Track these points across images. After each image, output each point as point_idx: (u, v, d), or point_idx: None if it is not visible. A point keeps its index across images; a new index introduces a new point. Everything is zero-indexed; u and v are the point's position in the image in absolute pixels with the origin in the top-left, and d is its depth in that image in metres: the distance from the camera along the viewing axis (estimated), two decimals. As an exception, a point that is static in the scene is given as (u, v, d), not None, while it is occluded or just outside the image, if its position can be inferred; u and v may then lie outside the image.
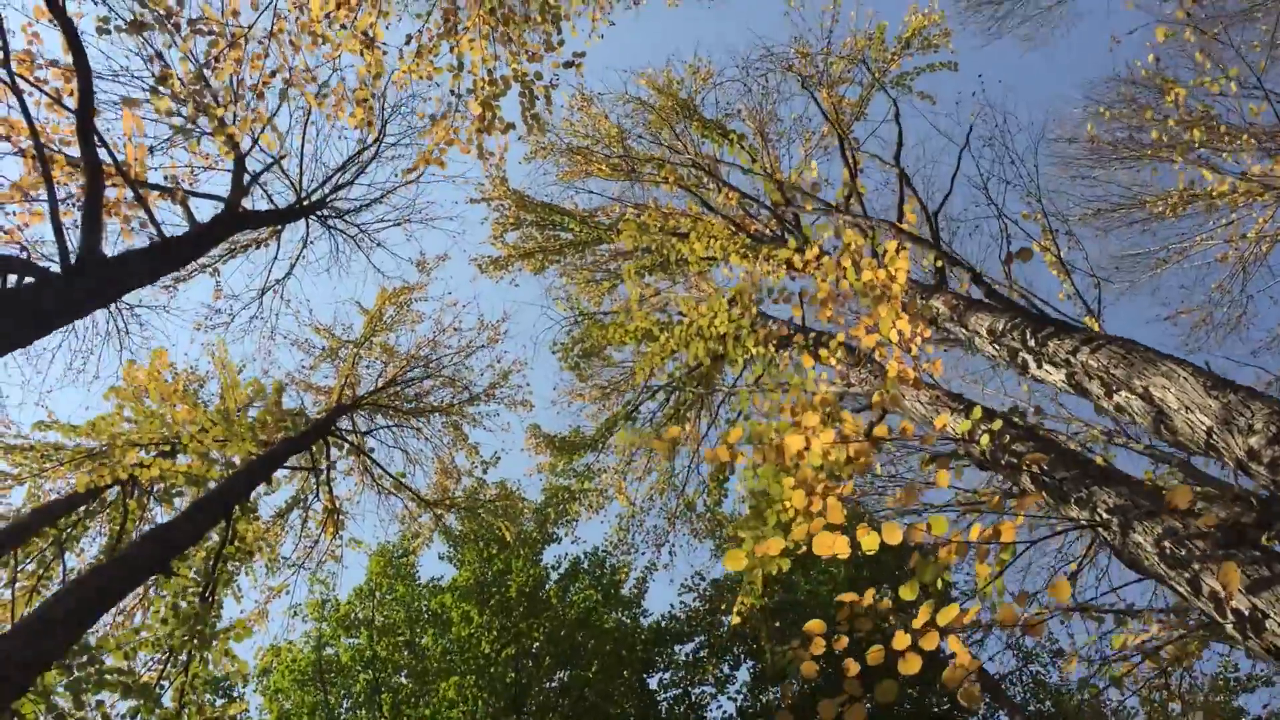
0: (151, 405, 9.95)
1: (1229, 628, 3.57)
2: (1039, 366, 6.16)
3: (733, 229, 12.72)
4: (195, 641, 8.28)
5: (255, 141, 9.99)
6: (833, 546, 4.35)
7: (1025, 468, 5.18)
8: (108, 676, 8.06)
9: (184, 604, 8.36)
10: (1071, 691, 16.00)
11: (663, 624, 16.64)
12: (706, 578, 17.40)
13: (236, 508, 10.00)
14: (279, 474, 16.09)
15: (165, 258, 7.71)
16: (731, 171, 14.96)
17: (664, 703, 15.53)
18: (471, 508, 16.46)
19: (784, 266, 9.53)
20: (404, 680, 14.23)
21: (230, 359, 11.82)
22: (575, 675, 14.38)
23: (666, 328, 11.62)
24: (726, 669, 16.65)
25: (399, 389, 16.05)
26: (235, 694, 14.18)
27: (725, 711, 16.04)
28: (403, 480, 15.31)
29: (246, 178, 10.26)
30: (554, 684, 14.15)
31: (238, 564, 12.03)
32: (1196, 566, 3.75)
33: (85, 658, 7.90)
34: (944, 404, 6.75)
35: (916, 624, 4.25)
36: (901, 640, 4.30)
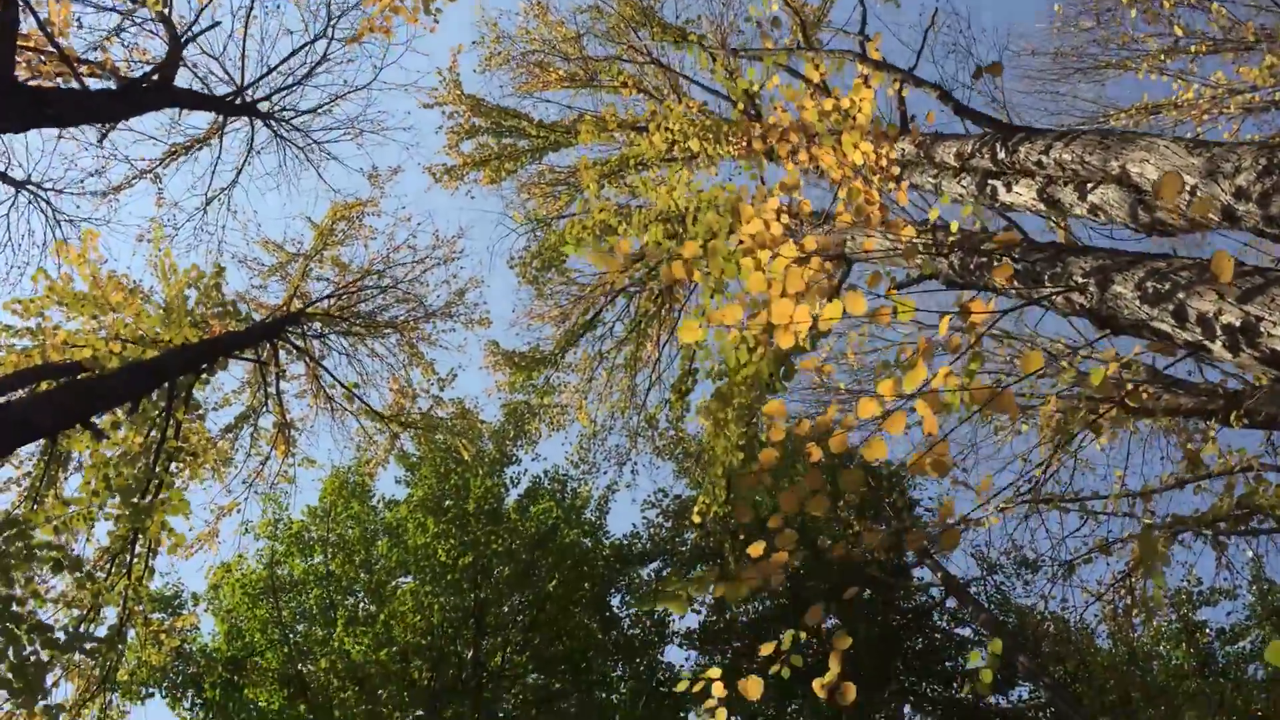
0: (82, 287, 9.47)
1: (1220, 347, 3.30)
2: (1009, 190, 5.89)
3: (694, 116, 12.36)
4: (129, 514, 7.85)
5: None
6: (792, 315, 4.04)
7: (996, 256, 4.90)
8: (37, 551, 7.67)
9: (118, 474, 7.92)
10: (1035, 606, 15.97)
11: (625, 542, 16.42)
12: (669, 494, 17.20)
13: (177, 397, 9.58)
14: (227, 388, 15.67)
15: (87, 104, 7.26)
16: (692, 88, 14.67)
17: (626, 618, 15.34)
18: (428, 426, 16.09)
19: (745, 147, 9.22)
20: (360, 596, 13.92)
21: (175, 265, 11.33)
22: (535, 592, 14.13)
23: (625, 217, 11.28)
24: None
25: (352, 304, 15.60)
26: (183, 610, 13.80)
27: (689, 626, 15.90)
28: (355, 391, 14.90)
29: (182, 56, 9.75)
30: (514, 600, 13.87)
31: (182, 466, 11.64)
32: (1182, 294, 3.49)
33: (13, 531, 7.51)
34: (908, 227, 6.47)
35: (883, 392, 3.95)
36: (867, 408, 4.00)
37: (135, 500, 8.10)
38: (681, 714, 15.08)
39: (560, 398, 16.31)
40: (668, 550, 16.59)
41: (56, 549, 7.67)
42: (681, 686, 4.38)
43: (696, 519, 9.55)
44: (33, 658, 7.19)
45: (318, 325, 14.97)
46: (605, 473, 17.51)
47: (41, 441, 10.28)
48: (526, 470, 15.69)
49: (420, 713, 12.66)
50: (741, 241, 4.61)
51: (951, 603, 15.24)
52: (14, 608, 7.22)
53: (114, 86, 8.41)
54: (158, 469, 9.70)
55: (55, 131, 11.37)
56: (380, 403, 17.25)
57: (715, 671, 4.15)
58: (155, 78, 9.11)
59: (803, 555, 16.53)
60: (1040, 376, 12.97)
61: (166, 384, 8.67)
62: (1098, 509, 12.55)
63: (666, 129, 12.14)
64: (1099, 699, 13.66)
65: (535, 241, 15.84)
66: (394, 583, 13.40)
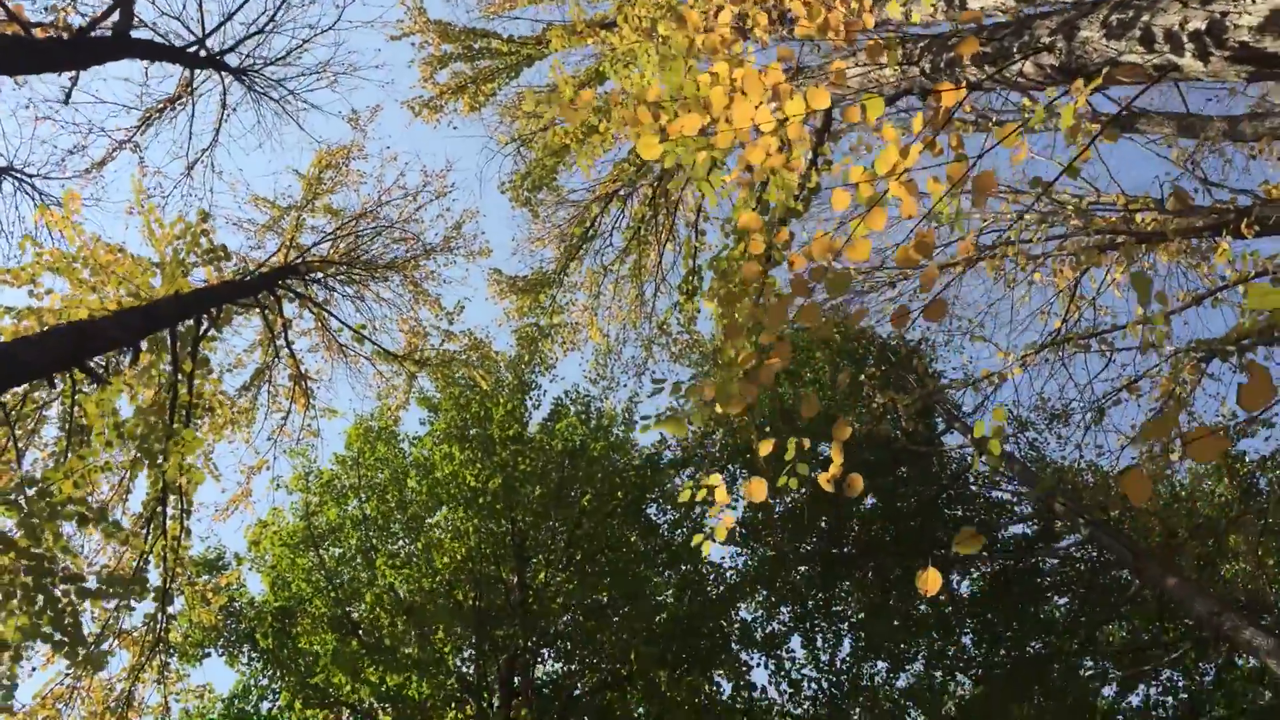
0: (69, 249, 9.42)
1: (1190, 58, 3.15)
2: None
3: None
4: (144, 455, 7.86)
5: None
6: (752, 114, 3.89)
7: (961, 37, 4.71)
8: (61, 508, 7.70)
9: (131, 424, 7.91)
10: (1071, 459, 15.87)
11: (653, 450, 16.43)
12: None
13: (184, 351, 9.55)
14: (238, 349, 15.65)
15: (38, 50, 7.14)
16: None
17: (664, 525, 15.38)
18: (443, 362, 16.08)
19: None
20: (397, 535, 14.00)
21: (160, 220, 11.23)
22: (569, 509, 14.16)
23: (605, 113, 11.08)
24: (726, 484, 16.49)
25: (350, 249, 15.51)
26: (227, 570, 13.95)
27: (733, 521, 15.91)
28: (364, 333, 14.88)
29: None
30: (550, 520, 13.90)
31: (200, 422, 11.68)
32: (1146, 16, 3.32)
33: (33, 490, 7.53)
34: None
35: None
36: (840, 199, 3.88)
37: (151, 445, 8.10)
38: (731, 611, 15.20)
39: (570, 317, 16.24)
40: (699, 454, 16.59)
41: (80, 503, 7.71)
42: (684, 497, 4.32)
43: (704, 412, 9.46)
44: (69, 609, 7.26)
45: (319, 275, 14.91)
46: (624, 385, 17.49)
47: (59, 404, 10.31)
48: (546, 391, 15.66)
49: (472, 638, 12.76)
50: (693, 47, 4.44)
51: (984, 466, 15.14)
52: (45, 565, 7.27)
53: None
54: (175, 424, 9.71)
55: (31, 114, 11.24)
56: (392, 345, 17.24)
57: (716, 478, 4.08)
58: (110, 31, 8.98)
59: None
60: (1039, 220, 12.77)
61: (167, 333, 8.63)
62: (1120, 345, 12.42)
63: (635, 18, 11.86)
64: (1144, 541, 13.63)
65: (523, 163, 15.65)
66: (429, 517, 13.45)
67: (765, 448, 4.25)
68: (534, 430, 15.57)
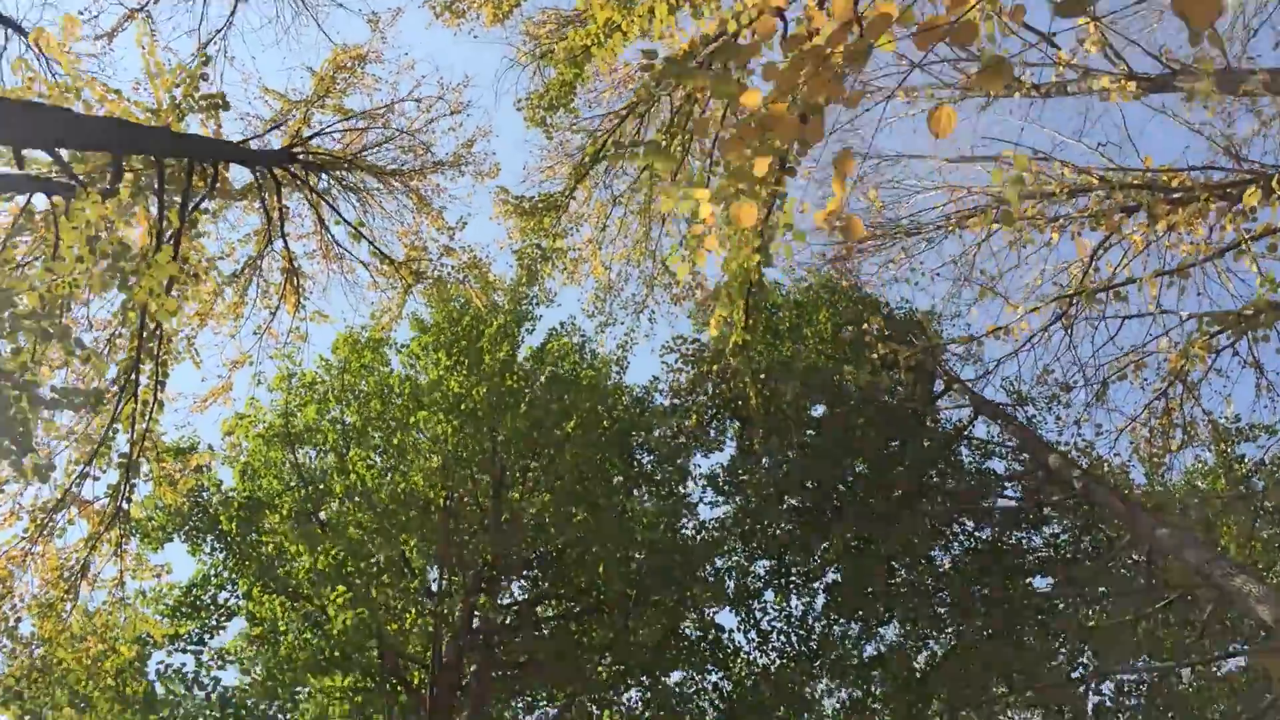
0: (65, 78, 9.05)
1: None
2: None
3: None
4: (116, 279, 7.51)
5: None
6: None
7: None
8: (24, 321, 7.39)
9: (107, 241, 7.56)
10: (1067, 440, 15.57)
11: (644, 391, 16.12)
12: (689, 339, 16.83)
13: (172, 203, 9.21)
14: (232, 237, 15.27)
15: None
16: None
17: (648, 463, 15.08)
18: (439, 279, 15.77)
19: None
20: (376, 440, 13.66)
21: (160, 65, 10.86)
22: (551, 432, 13.84)
23: (629, 11, 10.75)
24: (713, 434, 16.23)
25: (357, 151, 15.16)
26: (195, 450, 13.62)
27: (714, 465, 15.65)
28: (362, 231, 14.53)
29: None
30: (533, 438, 13.57)
31: (183, 283, 11.35)
32: None
33: (-6, 300, 7.22)
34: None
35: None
36: None
37: (124, 266, 7.75)
38: (705, 563, 14.88)
39: (574, 250, 15.93)
40: (690, 403, 16.29)
41: (43, 315, 7.39)
42: (667, 207, 3.97)
43: (713, 331, 9.19)
44: (20, 417, 6.95)
45: (322, 168, 14.57)
46: (622, 323, 17.19)
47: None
48: (542, 318, 15.30)
49: (436, 548, 12.45)
50: None
51: (980, 430, 14.84)
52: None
53: None
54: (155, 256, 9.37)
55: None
56: (391, 253, 16.87)
57: (704, 193, 3.74)
58: None
59: (827, 402, 16.20)
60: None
61: (154, 162, 8.28)
62: (1133, 308, 12.13)
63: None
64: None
65: (542, 82, 15.34)
66: (408, 420, 13.11)
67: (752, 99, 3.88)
68: (525, 356, 15.25)
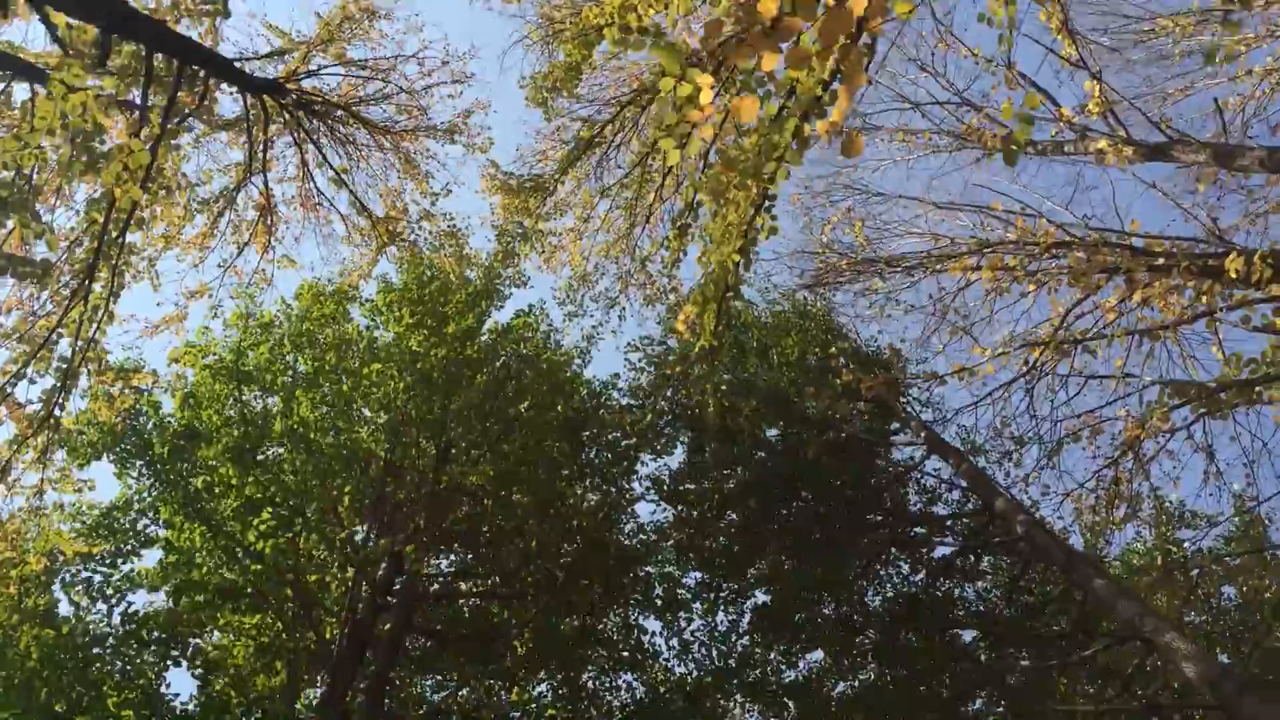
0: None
1: None
2: None
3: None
4: (83, 160, 7.28)
5: None
6: None
7: None
8: (-20, 186, 7.15)
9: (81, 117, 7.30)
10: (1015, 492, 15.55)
11: (603, 385, 16.00)
12: (655, 340, 16.74)
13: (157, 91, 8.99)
14: (210, 165, 14.96)
15: None
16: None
17: (596, 455, 14.91)
18: (415, 243, 15.61)
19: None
20: (325, 390, 13.38)
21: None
22: (504, 409, 13.67)
23: (647, -8, 10.69)
24: (665, 439, 16.12)
25: (352, 100, 14.96)
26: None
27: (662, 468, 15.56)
28: (344, 179, 14.31)
29: None
30: (484, 409, 13.36)
31: (152, 198, 11.07)
32: None
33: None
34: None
35: None
36: None
37: (90, 146, 7.52)
38: (638, 567, 14.71)
39: (555, 227, 15.80)
40: (647, 405, 16.17)
41: (5, 187, 7.16)
42: (666, 86, 3.86)
43: (680, 327, 9.11)
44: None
45: (315, 108, 14.35)
46: (591, 315, 17.06)
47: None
48: (511, 296, 15.17)
49: (368, 502, 12.20)
50: None
51: (932, 468, 14.81)
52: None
53: None
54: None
55: None
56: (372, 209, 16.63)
57: (706, 78, 3.61)
58: None
59: (781, 427, 16.13)
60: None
61: (143, 56, 8.08)
62: (1099, 367, 12.14)
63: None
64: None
65: (548, 64, 15.24)
66: (363, 369, 12.86)
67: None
68: (489, 329, 15.07)
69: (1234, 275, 9.22)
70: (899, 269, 14.91)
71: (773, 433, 16.61)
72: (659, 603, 14.76)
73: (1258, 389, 10.46)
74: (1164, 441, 13.75)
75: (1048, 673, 12.09)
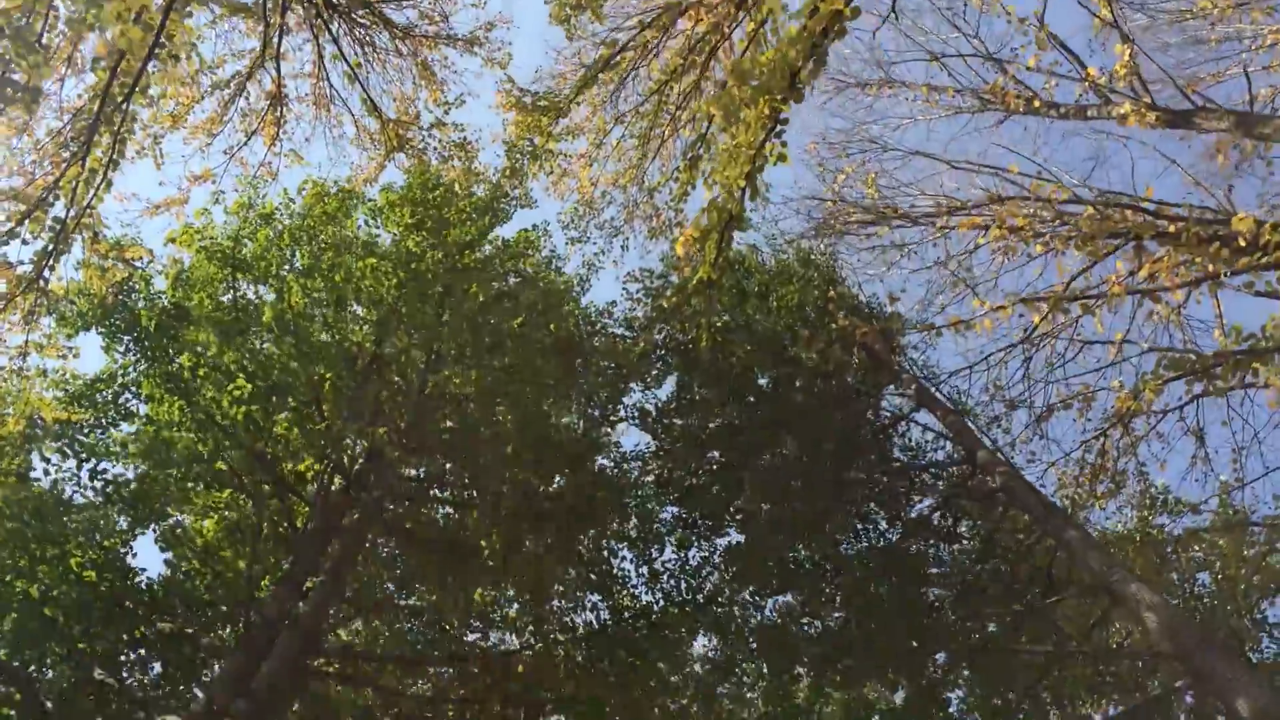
0: None
1: None
2: None
3: None
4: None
5: None
6: None
7: None
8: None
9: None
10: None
11: (597, 316, 15.92)
12: (655, 274, 16.63)
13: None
14: (224, 50, 14.75)
15: None
16: None
17: (584, 382, 14.84)
18: (423, 151, 15.48)
19: None
20: (319, 284, 13.26)
21: None
22: (497, 322, 13.58)
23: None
24: (656, 372, 16.07)
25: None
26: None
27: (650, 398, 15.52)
28: (358, 74, 14.15)
29: None
30: (476, 323, 13.24)
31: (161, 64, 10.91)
32: None
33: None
34: None
35: None
36: None
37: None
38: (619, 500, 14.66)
39: (566, 149, 15.64)
40: (640, 335, 16.08)
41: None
42: None
43: (679, 250, 9.01)
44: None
45: (336, 13, 14.15)
46: (594, 243, 16.95)
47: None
48: (515, 216, 15.04)
49: (350, 394, 12.09)
50: None
51: (918, 434, 14.74)
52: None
53: None
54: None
55: None
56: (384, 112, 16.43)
57: None
58: None
59: (773, 374, 16.04)
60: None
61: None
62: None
63: None
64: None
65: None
66: (358, 263, 12.73)
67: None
68: (490, 243, 14.93)
69: (1243, 239, 9.07)
70: (908, 222, 14.77)
71: (764, 382, 16.53)
72: (633, 534, 14.74)
73: (1254, 365, 10.35)
74: (1155, 422, 13.71)
75: (1013, 633, 12.08)
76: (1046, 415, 13.42)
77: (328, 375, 11.51)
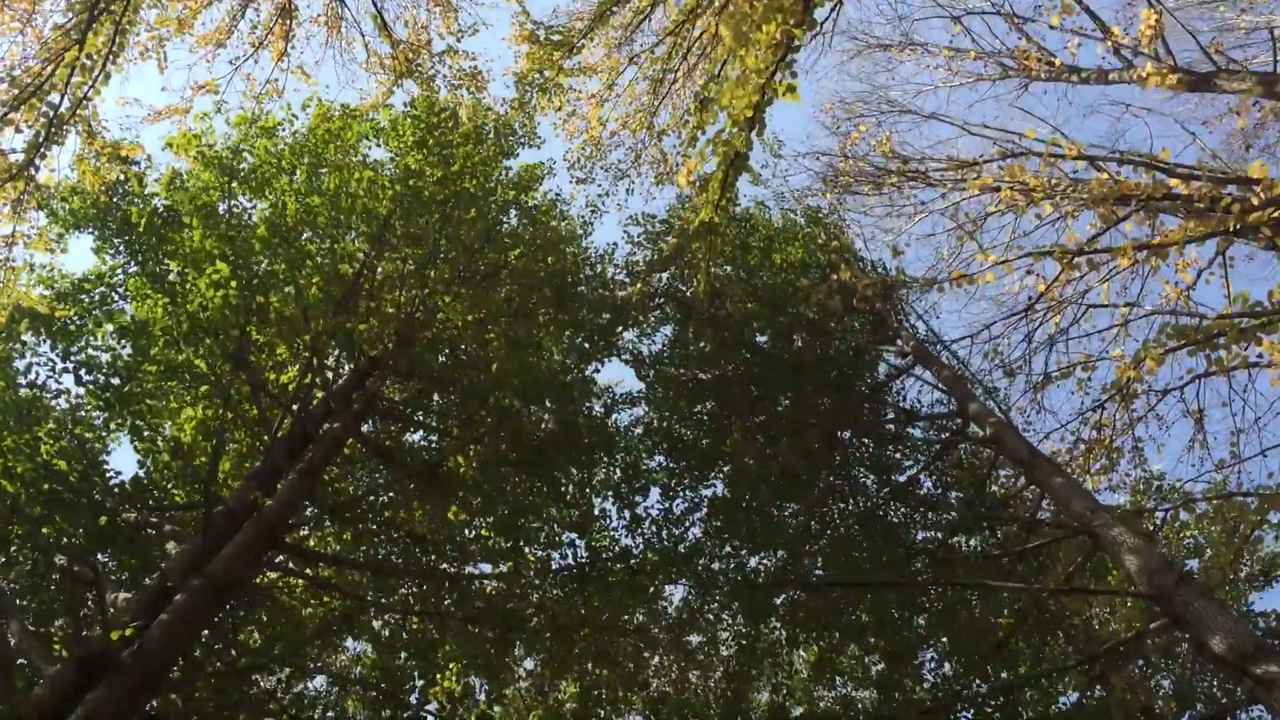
0: None
1: None
2: None
3: None
4: None
5: None
6: None
7: None
8: None
9: None
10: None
11: (598, 259, 15.71)
12: (659, 218, 16.41)
13: None
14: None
15: None
16: None
17: (579, 307, 14.62)
18: (432, 78, 15.23)
19: None
20: (317, 201, 13.04)
21: None
22: (495, 251, 13.39)
23: None
24: (653, 320, 15.88)
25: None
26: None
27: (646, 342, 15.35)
28: (370, -13, 13.89)
29: None
30: (468, 260, 13.02)
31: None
32: None
33: None
34: None
35: None
36: None
37: None
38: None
39: (577, 86, 15.39)
40: (639, 279, 15.87)
41: None
42: None
43: (681, 181, 8.82)
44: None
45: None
46: (600, 185, 16.76)
47: None
48: (521, 153, 14.79)
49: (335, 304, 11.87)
50: None
51: (921, 371, 14.44)
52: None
53: None
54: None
55: None
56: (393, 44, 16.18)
57: None
58: None
59: (771, 333, 15.82)
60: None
61: None
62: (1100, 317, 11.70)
63: None
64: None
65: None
66: (354, 175, 12.53)
67: None
68: (494, 174, 14.70)
69: (1258, 195, 8.81)
70: (920, 180, 14.54)
71: (763, 340, 16.30)
72: (618, 479, 14.52)
73: (1258, 333, 10.12)
74: (1154, 403, 13.47)
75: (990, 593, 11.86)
76: (1044, 383, 13.21)
77: (315, 280, 11.32)
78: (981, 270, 11.79)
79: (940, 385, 13.22)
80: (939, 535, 13.54)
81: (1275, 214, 8.72)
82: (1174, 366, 16.68)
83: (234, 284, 10.61)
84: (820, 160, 15.58)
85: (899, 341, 14.47)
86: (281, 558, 9.63)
